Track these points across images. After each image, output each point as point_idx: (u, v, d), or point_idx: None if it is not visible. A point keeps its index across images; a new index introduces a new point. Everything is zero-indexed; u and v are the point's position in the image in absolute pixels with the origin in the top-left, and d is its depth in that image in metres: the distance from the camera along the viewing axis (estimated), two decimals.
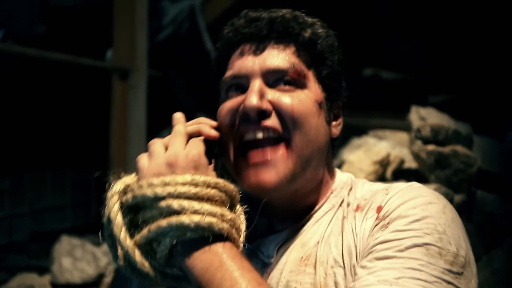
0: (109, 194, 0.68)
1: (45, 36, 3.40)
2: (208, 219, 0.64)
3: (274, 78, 0.77)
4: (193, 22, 3.35)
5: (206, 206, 0.65)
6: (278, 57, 0.78)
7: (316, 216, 0.81)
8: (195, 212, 0.64)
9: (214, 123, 0.77)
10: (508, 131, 2.04)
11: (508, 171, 1.78)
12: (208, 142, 0.74)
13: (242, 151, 0.75)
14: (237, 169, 0.76)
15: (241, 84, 0.78)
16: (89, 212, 3.56)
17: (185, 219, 0.63)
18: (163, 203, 0.64)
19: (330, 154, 0.84)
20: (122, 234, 0.66)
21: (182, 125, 0.74)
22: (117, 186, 0.68)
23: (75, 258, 2.33)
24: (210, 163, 0.73)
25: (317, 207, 0.82)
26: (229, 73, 0.79)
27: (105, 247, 2.41)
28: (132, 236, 0.67)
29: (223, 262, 0.65)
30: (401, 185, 0.77)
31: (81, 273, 2.29)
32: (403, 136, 2.26)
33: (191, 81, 3.32)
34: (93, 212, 3.55)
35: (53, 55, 2.88)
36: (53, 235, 2.59)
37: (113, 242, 0.68)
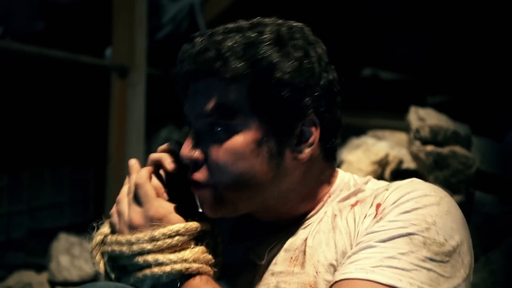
0: (90, 247, 0.81)
1: (44, 33, 3.40)
2: (175, 267, 0.74)
3: (206, 124, 0.76)
4: (192, 20, 3.35)
5: (170, 256, 0.75)
6: (205, 102, 0.75)
7: (311, 220, 0.81)
8: (161, 264, 0.74)
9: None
10: (507, 132, 2.04)
11: (507, 172, 1.78)
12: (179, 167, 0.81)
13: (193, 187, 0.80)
14: None
15: (189, 124, 0.80)
16: (87, 210, 3.55)
17: (156, 271, 0.74)
18: (133, 260, 0.75)
19: (316, 169, 0.81)
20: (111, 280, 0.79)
21: (136, 174, 0.79)
22: (96, 238, 0.81)
23: (73, 256, 2.34)
24: (180, 189, 0.80)
25: (313, 212, 0.82)
26: (183, 109, 0.81)
27: None
28: (118, 275, 0.79)
29: None
30: (401, 182, 0.77)
31: (79, 271, 2.30)
32: (402, 136, 2.27)
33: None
34: (91, 210, 3.55)
35: (51, 52, 2.87)
36: (51, 233, 2.59)
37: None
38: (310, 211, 0.81)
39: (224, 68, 0.73)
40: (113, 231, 0.79)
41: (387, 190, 0.76)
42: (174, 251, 0.75)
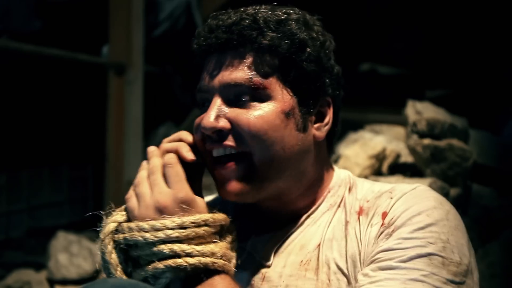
0: (102, 235, 0.72)
1: (41, 32, 3.39)
2: (203, 260, 0.68)
3: (233, 93, 0.75)
4: (189, 17, 3.34)
5: (198, 248, 0.69)
6: (235, 71, 0.75)
7: (313, 216, 0.80)
8: (188, 255, 0.68)
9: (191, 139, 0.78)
10: (505, 125, 2.04)
11: (504, 164, 1.78)
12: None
13: (214, 165, 0.77)
14: (214, 181, 0.79)
15: (207, 99, 0.78)
16: (86, 208, 3.55)
17: (181, 262, 0.67)
18: (155, 249, 0.68)
19: (323, 154, 0.82)
20: (119, 273, 0.71)
21: (158, 159, 0.75)
22: (109, 226, 0.72)
23: (72, 254, 2.33)
24: (194, 180, 0.75)
25: (314, 207, 0.81)
26: (198, 86, 0.79)
27: None
28: (128, 269, 0.71)
29: None
30: (405, 188, 0.76)
31: (77, 268, 2.29)
32: (399, 130, 2.26)
33: (188, 76, 3.31)
34: (90, 209, 3.55)
35: (49, 50, 2.87)
36: (50, 231, 2.59)
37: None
38: (311, 205, 0.81)
39: (261, 37, 0.75)
40: (129, 218, 0.72)
41: (391, 197, 0.76)
42: (201, 243, 0.69)
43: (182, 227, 0.68)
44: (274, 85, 0.76)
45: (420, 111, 1.98)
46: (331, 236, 0.77)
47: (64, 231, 2.44)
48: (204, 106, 0.78)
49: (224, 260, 0.70)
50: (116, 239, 0.71)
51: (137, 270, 0.70)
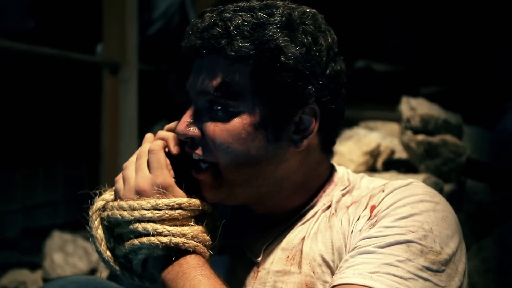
0: (90, 211, 0.81)
1: (34, 31, 3.38)
2: (174, 240, 0.74)
3: (206, 101, 0.76)
4: (183, 15, 3.34)
5: (169, 228, 0.75)
6: (207, 79, 0.75)
7: (306, 216, 0.80)
8: (159, 234, 0.74)
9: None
10: (499, 121, 2.04)
11: (498, 160, 1.78)
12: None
13: (193, 168, 0.80)
14: None
15: (191, 100, 0.80)
16: (81, 208, 3.54)
17: (154, 240, 0.74)
18: (131, 226, 0.75)
19: (312, 158, 0.80)
20: (103, 247, 0.79)
21: (147, 146, 0.79)
22: (97, 204, 0.81)
23: (67, 253, 2.33)
24: (183, 170, 0.80)
25: (308, 207, 0.81)
26: (186, 86, 0.80)
27: None
28: (111, 245, 0.79)
29: (185, 272, 0.72)
30: (398, 183, 0.76)
31: (73, 268, 2.29)
32: (394, 127, 2.27)
33: (183, 75, 3.31)
34: (85, 208, 3.53)
35: (42, 49, 2.86)
36: (45, 231, 2.58)
37: (97, 252, 0.81)
38: (305, 205, 0.80)
39: (229, 47, 0.72)
40: (116, 198, 0.79)
41: (383, 191, 0.76)
42: (174, 225, 0.75)
43: (156, 208, 0.75)
44: (243, 97, 0.74)
45: (414, 107, 1.98)
46: (316, 230, 0.78)
47: (59, 231, 2.43)
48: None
49: (196, 242, 0.75)
50: (102, 216, 0.79)
51: (119, 246, 0.78)
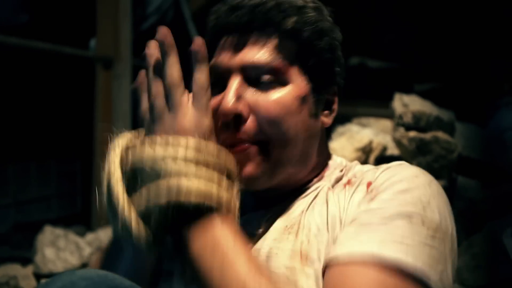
0: (111, 147, 0.65)
1: (28, 25, 3.36)
2: (209, 186, 0.61)
3: (253, 74, 0.75)
4: (178, 11, 3.32)
5: (206, 173, 0.62)
6: (258, 52, 0.75)
7: (306, 192, 0.82)
8: (195, 176, 0.60)
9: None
10: (491, 117, 2.04)
11: (489, 157, 1.79)
12: None
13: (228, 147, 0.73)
14: None
15: (221, 80, 0.76)
16: (74, 203, 3.53)
17: (185, 182, 0.59)
18: (162, 164, 0.60)
19: (324, 141, 0.84)
20: (120, 188, 0.62)
21: (205, 76, 0.67)
22: (120, 141, 0.65)
23: (58, 248, 2.32)
24: None
25: (310, 185, 0.83)
26: (211, 64, 0.76)
27: (88, 237, 2.40)
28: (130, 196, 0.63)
29: (219, 242, 0.63)
30: (391, 163, 0.78)
31: (64, 263, 2.28)
32: (387, 123, 2.27)
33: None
34: (78, 203, 3.53)
35: (35, 44, 2.84)
36: (37, 226, 2.57)
37: (110, 201, 0.63)
38: (308, 184, 0.82)
39: (285, 21, 0.75)
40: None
41: (377, 170, 0.78)
42: (211, 171, 0.63)
43: (195, 149, 0.61)
44: (293, 69, 0.76)
45: (407, 104, 1.98)
46: (314, 204, 0.79)
47: (51, 226, 2.42)
48: (216, 86, 0.76)
49: (229, 198, 0.65)
50: (125, 155, 0.63)
51: (138, 193, 0.61)
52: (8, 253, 2.73)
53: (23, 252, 2.61)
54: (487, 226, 1.56)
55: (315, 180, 0.82)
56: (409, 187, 0.71)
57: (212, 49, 0.78)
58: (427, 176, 0.75)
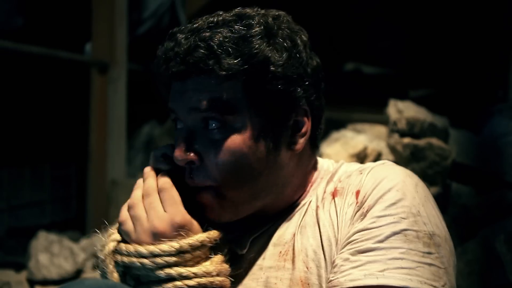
0: (103, 255, 0.73)
1: (23, 29, 3.35)
2: (201, 281, 0.70)
3: (198, 120, 0.74)
4: (174, 15, 3.33)
5: (194, 270, 0.70)
6: (199, 99, 0.73)
7: (294, 211, 0.80)
8: (185, 277, 0.69)
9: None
10: (485, 124, 2.05)
11: (483, 163, 1.80)
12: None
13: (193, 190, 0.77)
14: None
15: (178, 119, 0.76)
16: (69, 208, 3.52)
17: (180, 284, 0.69)
18: (153, 273, 0.69)
19: (305, 159, 0.81)
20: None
21: (153, 179, 0.74)
22: (109, 246, 0.73)
23: (52, 254, 2.30)
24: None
25: (296, 202, 0.81)
26: (168, 105, 0.77)
27: (83, 243, 2.39)
28: (129, 282, 0.72)
29: None
30: (373, 164, 0.77)
31: (58, 269, 2.27)
32: (381, 129, 2.27)
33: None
34: (73, 208, 3.51)
35: (30, 48, 2.83)
36: (31, 231, 2.55)
37: None
38: (295, 201, 0.81)
39: (218, 66, 0.71)
40: (124, 240, 0.73)
41: (361, 173, 0.76)
42: (197, 263, 0.71)
43: (181, 251, 0.70)
44: (240, 109, 0.72)
45: (402, 110, 1.98)
46: (304, 224, 0.78)
47: (45, 231, 2.41)
48: (177, 126, 0.77)
49: (222, 276, 0.72)
50: (115, 260, 0.72)
51: (139, 287, 0.72)
52: (1, 258, 2.71)
53: (17, 258, 2.60)
54: (481, 233, 1.57)
55: (302, 197, 0.81)
56: (398, 197, 0.71)
57: (168, 90, 0.78)
58: (413, 179, 0.74)
